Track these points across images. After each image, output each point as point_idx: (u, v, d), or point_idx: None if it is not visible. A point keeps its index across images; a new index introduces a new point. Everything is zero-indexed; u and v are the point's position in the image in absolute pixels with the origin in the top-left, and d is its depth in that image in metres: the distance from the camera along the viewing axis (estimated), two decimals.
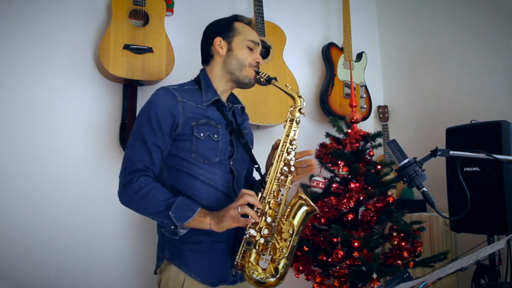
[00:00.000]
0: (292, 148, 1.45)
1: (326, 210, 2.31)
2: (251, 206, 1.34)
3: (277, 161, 1.44)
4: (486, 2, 2.78)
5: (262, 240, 1.36)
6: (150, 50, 2.19)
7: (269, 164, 1.50)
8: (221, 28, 1.55)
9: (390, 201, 2.35)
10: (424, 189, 1.30)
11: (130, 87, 2.25)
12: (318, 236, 2.33)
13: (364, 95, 3.09)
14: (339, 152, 2.38)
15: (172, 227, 1.33)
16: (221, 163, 1.46)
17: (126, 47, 2.13)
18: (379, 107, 3.31)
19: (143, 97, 2.29)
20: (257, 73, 1.52)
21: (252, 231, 1.35)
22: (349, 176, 2.40)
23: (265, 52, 2.66)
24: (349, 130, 2.46)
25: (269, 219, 1.38)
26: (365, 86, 3.12)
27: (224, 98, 1.56)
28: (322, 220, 2.34)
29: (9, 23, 2.08)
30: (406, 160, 1.33)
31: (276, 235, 1.38)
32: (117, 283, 2.22)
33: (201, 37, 1.59)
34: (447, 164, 2.34)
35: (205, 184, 1.43)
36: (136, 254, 2.29)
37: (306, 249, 2.30)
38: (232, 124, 1.52)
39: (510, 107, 2.59)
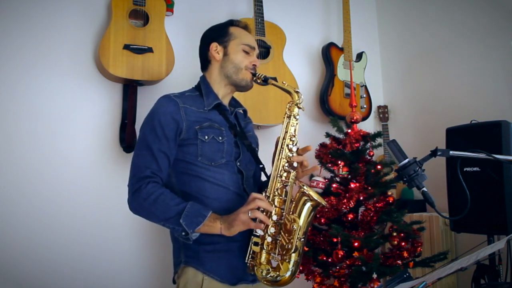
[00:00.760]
0: (292, 144, 1.45)
1: (326, 210, 2.31)
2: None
3: (278, 159, 1.45)
4: (486, 2, 2.78)
5: (269, 239, 1.36)
6: (150, 50, 2.19)
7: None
8: (217, 34, 1.57)
9: (390, 201, 2.35)
10: (424, 189, 1.30)
11: (130, 87, 2.25)
12: (318, 236, 2.33)
13: (364, 95, 3.09)
14: (339, 152, 2.38)
15: (183, 233, 1.33)
16: (228, 164, 1.46)
17: (126, 47, 2.13)
18: (379, 107, 3.31)
19: (143, 97, 2.29)
20: (254, 75, 1.53)
21: (259, 231, 1.35)
22: (349, 176, 2.40)
23: (265, 52, 2.66)
24: (349, 130, 2.46)
25: (275, 217, 1.38)
26: (365, 86, 3.12)
27: (225, 102, 1.58)
28: (322, 220, 2.34)
29: (9, 23, 2.08)
30: (406, 160, 1.32)
31: (283, 233, 1.37)
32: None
33: (199, 44, 1.61)
34: (447, 164, 2.34)
35: (215, 185, 1.43)
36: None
37: (306, 249, 2.30)
38: (236, 127, 1.53)
39: (510, 107, 2.59)
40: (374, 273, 2.10)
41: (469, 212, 1.37)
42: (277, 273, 1.36)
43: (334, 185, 2.39)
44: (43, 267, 2.05)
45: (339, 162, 2.39)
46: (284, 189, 1.42)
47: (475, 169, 2.17)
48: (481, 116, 2.36)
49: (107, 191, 2.22)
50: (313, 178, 2.53)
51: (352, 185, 2.31)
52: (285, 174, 1.43)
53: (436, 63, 3.06)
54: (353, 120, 2.52)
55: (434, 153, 1.33)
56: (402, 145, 1.37)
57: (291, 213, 1.40)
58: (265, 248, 1.37)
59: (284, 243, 1.36)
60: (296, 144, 1.46)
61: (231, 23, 1.59)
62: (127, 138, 2.22)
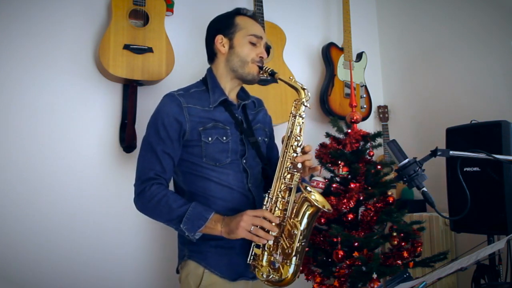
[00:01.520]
0: (298, 145, 1.43)
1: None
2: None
3: (282, 160, 1.43)
4: (486, 2, 2.78)
5: (271, 242, 1.37)
6: (150, 50, 2.19)
7: None
8: (222, 25, 1.53)
9: (390, 201, 2.35)
10: (424, 189, 1.30)
11: (130, 87, 2.25)
12: (318, 236, 2.33)
13: (364, 95, 3.09)
14: (339, 152, 2.38)
15: (186, 234, 1.37)
16: (233, 163, 1.47)
17: (126, 47, 2.13)
18: (379, 107, 3.31)
19: (143, 97, 2.29)
20: (260, 68, 1.50)
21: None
22: (349, 176, 2.40)
23: (266, 51, 2.65)
24: (349, 130, 2.46)
25: (278, 221, 1.37)
26: (365, 86, 3.12)
27: (233, 95, 1.56)
28: (322, 220, 2.34)
29: (9, 23, 2.08)
30: (406, 160, 1.32)
31: (284, 236, 1.37)
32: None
33: (205, 35, 1.58)
34: (447, 164, 2.34)
35: (219, 185, 1.45)
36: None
37: (306, 249, 2.30)
38: (242, 124, 1.51)
39: (510, 107, 2.59)
40: (374, 273, 2.10)
41: (469, 212, 1.38)
42: (279, 274, 1.36)
43: (334, 185, 2.39)
44: (43, 267, 2.04)
45: (339, 162, 2.39)
46: (288, 191, 1.42)
47: (475, 169, 2.17)
48: (481, 116, 2.36)
49: (107, 191, 2.22)
50: (313, 178, 2.52)
51: (352, 185, 2.31)
52: (288, 176, 1.42)
53: (436, 63, 3.06)
54: (353, 120, 2.52)
55: (434, 153, 1.33)
56: (402, 145, 1.37)
57: (293, 216, 1.38)
58: (266, 250, 1.37)
59: (285, 247, 1.36)
60: (301, 144, 1.44)
61: (238, 12, 1.55)
62: (127, 138, 2.22)
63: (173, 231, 1.46)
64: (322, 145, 2.51)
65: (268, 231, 1.34)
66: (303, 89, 1.48)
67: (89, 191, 2.19)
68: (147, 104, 2.32)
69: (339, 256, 2.18)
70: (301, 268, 2.29)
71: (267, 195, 1.41)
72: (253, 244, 1.38)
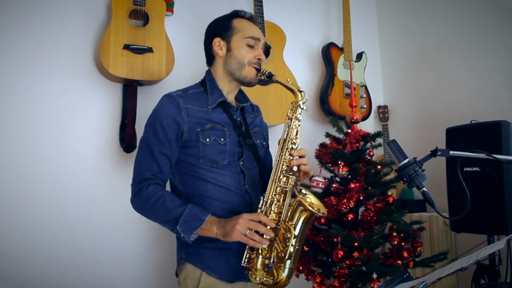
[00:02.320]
0: (294, 148, 1.43)
1: (326, 210, 2.30)
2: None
3: (277, 163, 1.43)
4: (486, 2, 2.78)
5: (265, 245, 1.36)
6: (150, 50, 2.19)
7: None
8: (219, 28, 1.53)
9: (390, 201, 2.35)
10: (424, 189, 1.30)
11: (130, 87, 2.25)
12: (318, 236, 2.33)
13: (364, 95, 3.09)
14: (339, 152, 2.38)
15: (182, 235, 1.37)
16: (230, 164, 1.46)
17: (126, 47, 2.13)
18: (379, 107, 3.31)
19: (143, 97, 2.29)
20: (258, 70, 1.50)
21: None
22: (349, 176, 2.40)
23: (265, 52, 2.66)
24: (349, 130, 2.46)
25: (273, 225, 1.37)
26: (365, 86, 3.12)
27: (231, 97, 1.56)
28: (322, 220, 2.34)
29: (9, 23, 2.08)
30: (406, 160, 1.32)
31: (278, 239, 1.37)
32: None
33: (204, 38, 1.58)
34: (447, 164, 2.34)
35: (216, 186, 1.44)
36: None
37: (306, 249, 2.30)
38: (240, 126, 1.51)
39: (510, 107, 2.59)
40: (374, 273, 2.10)
41: (469, 212, 1.37)
42: (272, 278, 1.36)
43: (334, 185, 2.39)
44: (41, 266, 2.05)
45: (339, 162, 2.39)
46: (283, 194, 1.41)
47: (475, 169, 2.17)
48: (481, 116, 2.36)
49: (107, 190, 2.22)
50: (313, 178, 2.52)
51: (352, 185, 2.31)
52: (284, 179, 1.42)
53: (436, 63, 3.06)
54: (353, 120, 2.52)
55: (434, 153, 1.33)
56: (402, 145, 1.37)
57: (288, 220, 1.38)
58: (261, 253, 1.37)
59: (279, 250, 1.36)
60: (297, 147, 1.44)
61: (236, 14, 1.55)
62: (127, 138, 2.22)
63: (172, 232, 1.46)
64: (322, 145, 2.51)
65: (263, 235, 1.34)
66: (300, 91, 1.46)
67: (89, 191, 2.19)
68: (147, 104, 2.32)
69: (339, 256, 2.18)
70: (300, 268, 2.32)
71: (262, 198, 1.41)
72: (247, 246, 1.38)
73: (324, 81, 3.02)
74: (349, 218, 2.30)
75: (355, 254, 2.17)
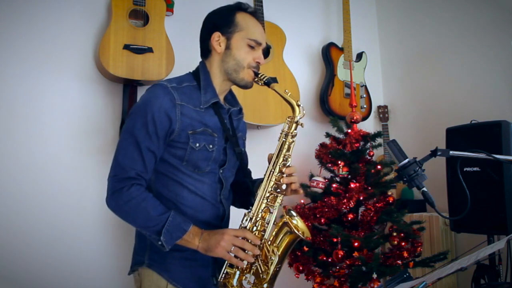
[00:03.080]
0: (285, 164, 1.37)
1: (326, 210, 2.31)
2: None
3: (267, 179, 1.36)
4: (486, 2, 2.78)
5: (245, 263, 1.30)
6: (150, 50, 2.19)
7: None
8: (221, 21, 1.42)
9: (390, 201, 2.35)
10: (424, 189, 1.30)
11: (130, 87, 2.25)
12: (318, 236, 2.33)
13: (364, 95, 3.09)
14: (339, 152, 2.38)
15: (160, 243, 1.27)
16: (211, 172, 1.39)
17: (126, 47, 2.13)
18: (379, 107, 3.31)
19: None
20: (256, 74, 1.41)
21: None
22: (349, 176, 2.40)
23: (265, 52, 2.66)
24: (349, 130, 2.46)
25: (258, 242, 1.32)
26: (365, 86, 3.12)
27: (221, 97, 1.47)
28: (322, 220, 2.34)
29: (9, 23, 2.08)
30: (406, 160, 1.32)
31: (260, 259, 1.31)
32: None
33: (201, 26, 1.49)
34: (447, 164, 2.34)
35: (192, 194, 1.36)
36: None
37: (306, 249, 2.30)
38: (229, 131, 1.43)
39: (510, 107, 2.59)
40: (374, 273, 2.10)
41: (469, 212, 1.37)
42: None
43: (334, 185, 2.39)
44: (40, 265, 2.05)
45: (339, 162, 2.39)
46: (268, 212, 1.36)
47: (475, 169, 2.17)
48: (481, 116, 2.36)
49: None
50: (313, 178, 2.53)
51: (352, 185, 2.31)
52: (271, 197, 1.36)
53: (436, 63, 3.06)
54: (353, 120, 2.52)
55: (434, 153, 1.33)
56: (402, 145, 1.37)
57: (271, 239, 1.34)
58: (239, 269, 1.32)
59: (260, 271, 1.31)
60: (288, 165, 1.37)
61: (239, 7, 1.44)
62: None
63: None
64: (322, 145, 2.52)
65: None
66: (298, 105, 1.38)
67: (89, 191, 2.19)
68: None
69: (339, 256, 2.18)
70: (300, 268, 2.32)
71: (246, 213, 1.35)
72: (226, 262, 1.32)
73: (324, 81, 3.03)
74: (349, 218, 2.30)
75: (355, 254, 2.17)
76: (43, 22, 2.16)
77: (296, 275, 2.38)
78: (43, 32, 2.15)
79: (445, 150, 1.32)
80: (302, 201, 2.53)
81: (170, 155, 1.35)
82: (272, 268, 1.31)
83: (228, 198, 1.48)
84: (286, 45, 2.75)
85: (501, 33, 2.67)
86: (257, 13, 1.47)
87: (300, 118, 1.38)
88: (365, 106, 3.08)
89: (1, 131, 2.04)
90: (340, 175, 2.45)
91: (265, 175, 1.38)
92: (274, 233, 1.35)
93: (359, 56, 3.16)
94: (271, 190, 1.36)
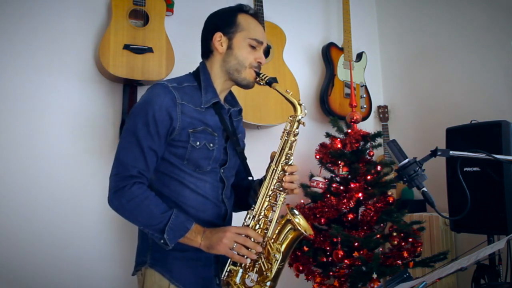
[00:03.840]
0: (287, 163, 1.38)
1: (326, 210, 2.31)
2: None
3: (270, 177, 1.37)
4: (486, 2, 2.78)
5: (249, 260, 1.31)
6: (150, 50, 2.19)
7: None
8: (223, 22, 1.44)
9: (390, 201, 2.35)
10: (424, 189, 1.30)
11: (130, 87, 2.25)
12: (318, 236, 2.33)
13: (364, 95, 3.09)
14: (339, 152, 2.38)
15: (162, 241, 1.28)
16: (212, 171, 1.40)
17: (126, 47, 2.13)
18: (379, 107, 3.31)
19: None
20: (258, 74, 1.42)
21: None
22: (349, 176, 2.40)
23: (266, 52, 2.66)
24: (349, 130, 2.46)
25: (260, 239, 1.32)
26: (365, 86, 3.12)
27: (222, 97, 1.47)
28: (322, 220, 2.34)
29: (9, 24, 2.08)
30: (406, 160, 1.32)
31: (263, 257, 1.33)
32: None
33: (202, 28, 1.50)
34: (447, 164, 2.34)
35: (194, 193, 1.37)
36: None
37: (306, 249, 2.30)
38: (230, 131, 1.44)
39: (510, 107, 2.59)
40: (374, 273, 2.10)
41: (469, 212, 1.37)
42: None
43: (334, 185, 2.39)
44: (42, 266, 2.05)
45: (339, 162, 2.39)
46: (271, 210, 1.36)
47: (475, 169, 2.17)
48: (481, 116, 2.36)
49: (107, 191, 2.22)
50: (313, 178, 2.53)
51: (352, 185, 2.31)
52: (274, 195, 1.37)
53: (436, 63, 3.06)
54: (353, 120, 2.52)
55: (434, 153, 1.33)
56: (402, 145, 1.37)
57: (274, 237, 1.35)
58: (242, 267, 1.33)
59: (263, 269, 1.32)
60: (290, 163, 1.38)
61: (240, 9, 1.46)
62: None
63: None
64: (322, 145, 2.52)
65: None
66: (300, 104, 1.39)
67: (89, 191, 2.19)
68: None
69: (339, 256, 2.18)
70: (300, 268, 2.32)
71: (248, 212, 1.36)
72: (229, 260, 1.33)
73: (324, 81, 3.02)
74: (349, 218, 2.30)
75: (355, 254, 2.17)
76: (43, 22, 2.16)
77: (296, 275, 2.38)
78: (43, 33, 2.15)
79: (445, 150, 1.32)
80: (302, 201, 2.53)
81: (171, 154, 1.36)
82: (275, 265, 1.32)
83: (230, 198, 1.48)
84: (286, 45, 2.75)
85: (501, 33, 2.67)
86: (258, 15, 1.50)
87: (302, 117, 1.40)
88: (365, 106, 3.08)
89: (2, 131, 2.04)
90: (340, 175, 2.45)
91: (267, 173, 1.39)
92: (277, 231, 1.36)
93: (359, 56, 3.16)
94: (273, 189, 1.37)
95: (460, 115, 2.62)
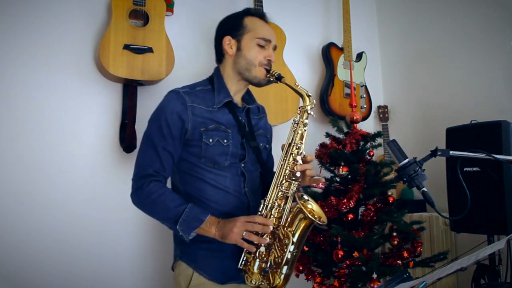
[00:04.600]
0: (298, 153, 1.42)
1: (326, 210, 2.30)
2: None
3: (281, 167, 1.43)
4: (486, 2, 2.78)
5: (263, 249, 1.37)
6: (150, 50, 2.19)
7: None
8: (230, 26, 1.53)
9: (390, 201, 2.35)
10: (424, 189, 1.30)
11: (130, 87, 2.25)
12: (318, 236, 2.33)
13: (364, 95, 3.09)
14: (339, 152, 2.38)
15: (180, 233, 1.38)
16: (231, 166, 1.47)
17: (126, 47, 2.13)
18: (379, 107, 3.31)
19: (143, 97, 2.29)
20: (268, 71, 1.49)
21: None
22: (349, 176, 2.40)
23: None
24: (349, 130, 2.45)
25: (271, 228, 1.36)
26: (365, 86, 3.12)
27: (238, 98, 1.56)
28: None
29: (9, 24, 2.08)
30: (406, 160, 1.32)
31: (277, 245, 1.37)
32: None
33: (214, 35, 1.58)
34: (447, 164, 2.34)
35: (215, 188, 1.45)
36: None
37: (306, 249, 2.30)
38: (244, 127, 1.51)
39: (510, 107, 2.59)
40: (374, 273, 2.10)
41: (469, 212, 1.37)
42: (268, 282, 1.36)
43: (334, 185, 2.39)
44: (41, 265, 2.05)
45: (339, 162, 2.39)
46: (284, 199, 1.40)
47: (475, 169, 2.17)
48: (481, 116, 2.36)
49: (107, 190, 2.23)
50: (313, 178, 2.52)
51: (352, 185, 2.31)
52: (286, 184, 1.41)
53: (436, 63, 3.06)
54: (353, 120, 2.52)
55: (434, 153, 1.33)
56: (402, 145, 1.37)
57: (287, 225, 1.37)
58: (258, 256, 1.37)
59: (276, 256, 1.36)
60: (301, 153, 1.43)
61: (247, 12, 1.55)
62: (127, 138, 2.22)
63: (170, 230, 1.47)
64: (322, 145, 2.51)
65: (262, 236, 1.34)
66: (308, 96, 1.45)
67: (89, 191, 2.19)
68: (147, 104, 2.32)
69: (339, 256, 2.18)
70: (300, 268, 2.32)
71: (263, 202, 1.41)
72: (245, 249, 1.38)
73: (324, 81, 3.02)
74: (349, 218, 2.30)
75: (355, 254, 2.17)
76: (43, 23, 2.16)
77: (296, 275, 2.38)
78: (43, 33, 2.15)
79: (445, 150, 1.32)
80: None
81: (188, 154, 1.46)
82: (287, 252, 1.35)
83: (256, 191, 1.52)
84: (286, 45, 2.75)
85: (501, 33, 2.67)
86: (265, 16, 1.57)
87: (310, 108, 1.45)
88: (365, 106, 3.08)
89: (2, 131, 2.03)
90: (340, 175, 2.45)
91: (279, 163, 1.44)
92: (290, 219, 1.39)
93: (359, 56, 3.16)
94: (286, 178, 1.41)
95: (460, 115, 2.62)
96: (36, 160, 2.09)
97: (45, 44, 2.15)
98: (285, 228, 1.37)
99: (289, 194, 1.40)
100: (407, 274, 1.23)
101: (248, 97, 1.61)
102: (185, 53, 2.44)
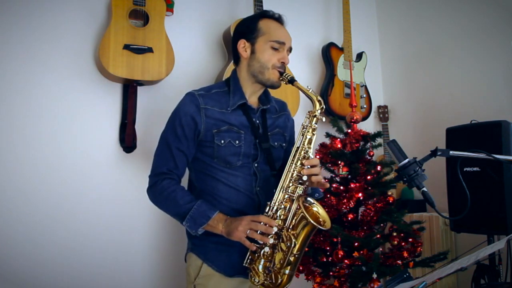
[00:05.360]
0: (305, 157, 1.44)
1: (326, 210, 2.30)
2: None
3: (287, 171, 1.45)
4: (486, 2, 2.78)
5: (267, 249, 1.39)
6: (150, 50, 2.19)
7: None
8: (245, 29, 1.56)
9: (390, 201, 2.35)
10: (424, 189, 1.30)
11: (130, 87, 2.25)
12: (318, 236, 2.33)
13: (364, 95, 3.09)
14: (339, 152, 2.38)
15: (187, 229, 1.46)
16: (244, 166, 1.51)
17: (126, 47, 2.13)
18: (379, 107, 3.31)
19: (143, 97, 2.29)
20: (281, 74, 1.50)
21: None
22: (349, 176, 2.40)
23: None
24: (349, 130, 2.46)
25: (275, 229, 1.39)
26: (365, 86, 3.12)
27: (254, 99, 1.59)
28: None
29: (9, 24, 2.08)
30: (406, 160, 1.32)
31: (281, 246, 1.39)
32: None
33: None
34: (447, 164, 2.34)
35: (227, 186, 1.50)
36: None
37: (306, 249, 2.29)
38: (258, 128, 1.54)
39: (510, 107, 2.59)
40: (374, 273, 2.10)
41: (469, 212, 1.38)
42: (271, 281, 1.39)
43: (334, 185, 2.39)
44: (44, 265, 2.05)
45: (339, 162, 2.39)
46: (290, 202, 1.43)
47: (475, 169, 2.17)
48: (481, 116, 2.36)
49: (107, 190, 2.22)
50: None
51: (352, 185, 2.31)
52: (292, 187, 1.43)
53: (436, 63, 3.06)
54: (353, 120, 2.52)
55: (434, 153, 1.33)
56: (402, 145, 1.37)
57: (291, 228, 1.40)
58: (263, 256, 1.40)
59: (280, 257, 1.39)
60: (308, 157, 1.45)
61: (262, 15, 1.58)
62: (127, 138, 2.22)
63: (179, 225, 1.51)
64: (322, 145, 2.51)
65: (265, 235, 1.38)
66: (319, 100, 1.48)
67: (89, 191, 2.19)
68: (147, 104, 2.33)
69: (339, 256, 2.18)
70: (300, 268, 2.32)
71: (268, 204, 1.43)
72: (250, 249, 1.41)
73: (324, 81, 3.02)
74: (349, 218, 2.30)
75: (355, 254, 2.17)
76: (42, 23, 2.15)
77: (296, 275, 2.37)
78: (43, 33, 2.15)
79: (445, 150, 1.32)
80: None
81: (202, 154, 1.52)
82: (290, 254, 1.38)
83: (269, 190, 1.54)
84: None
85: (501, 33, 2.67)
86: (280, 19, 1.60)
87: (319, 113, 1.48)
88: (365, 106, 3.08)
89: (2, 132, 2.03)
90: (340, 175, 2.45)
91: (286, 166, 1.46)
92: (294, 222, 1.41)
93: (359, 56, 3.16)
94: (292, 181, 1.44)
95: (460, 115, 2.62)
96: (36, 160, 2.08)
97: (45, 44, 2.15)
98: (289, 231, 1.40)
99: (294, 197, 1.42)
100: (407, 274, 1.23)
101: (264, 97, 1.63)
102: (185, 53, 2.43)
